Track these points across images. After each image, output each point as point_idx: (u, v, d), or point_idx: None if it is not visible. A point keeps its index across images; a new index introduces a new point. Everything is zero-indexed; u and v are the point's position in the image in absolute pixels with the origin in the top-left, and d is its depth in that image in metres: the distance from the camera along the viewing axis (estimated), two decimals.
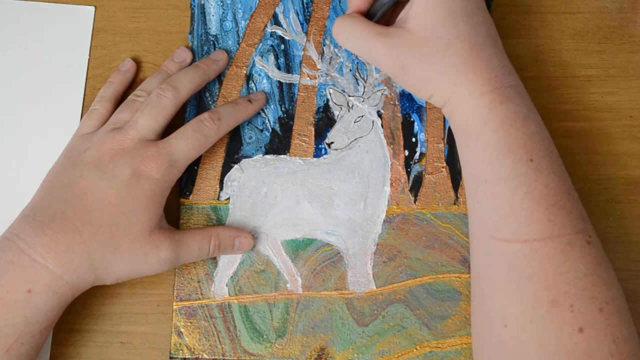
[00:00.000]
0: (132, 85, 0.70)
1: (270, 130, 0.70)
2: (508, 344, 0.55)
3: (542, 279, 0.54)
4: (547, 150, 0.58)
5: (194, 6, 0.72)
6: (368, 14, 0.65)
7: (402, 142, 0.70)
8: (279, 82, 0.71)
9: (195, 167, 0.69)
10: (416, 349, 0.66)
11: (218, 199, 0.69)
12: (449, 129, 0.70)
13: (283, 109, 0.71)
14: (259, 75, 0.71)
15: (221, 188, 0.69)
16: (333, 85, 0.71)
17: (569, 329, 0.53)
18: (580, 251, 0.55)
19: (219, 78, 0.71)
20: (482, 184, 0.58)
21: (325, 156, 0.70)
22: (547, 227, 0.55)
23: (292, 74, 0.71)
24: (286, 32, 0.72)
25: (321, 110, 0.71)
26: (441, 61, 0.59)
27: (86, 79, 0.71)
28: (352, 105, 0.70)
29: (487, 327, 0.58)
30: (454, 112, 0.61)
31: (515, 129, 0.57)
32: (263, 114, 0.70)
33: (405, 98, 0.71)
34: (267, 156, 0.70)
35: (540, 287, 0.54)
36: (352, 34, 0.63)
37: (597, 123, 0.70)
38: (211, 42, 0.72)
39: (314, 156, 0.70)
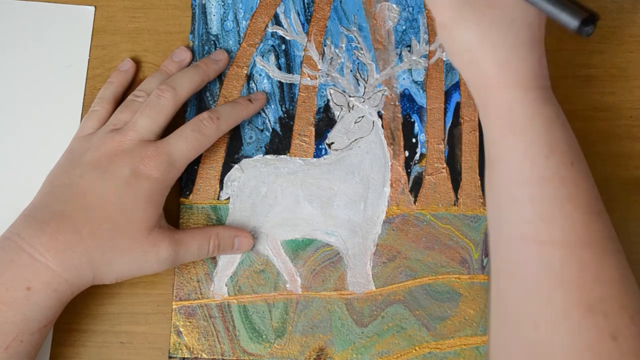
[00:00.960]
0: (132, 85, 0.70)
1: (271, 130, 0.70)
2: (538, 347, 0.54)
3: (578, 284, 0.53)
4: (582, 156, 0.57)
5: (195, 6, 0.72)
6: None
7: (402, 143, 0.70)
8: (280, 82, 0.71)
9: (195, 167, 0.69)
10: (415, 349, 0.66)
11: (218, 199, 0.69)
12: (449, 130, 0.70)
13: (283, 109, 0.71)
14: (260, 75, 0.71)
15: (221, 188, 0.69)
16: (334, 85, 0.71)
17: (602, 335, 0.52)
18: (614, 259, 0.54)
19: (220, 78, 0.71)
20: (520, 183, 0.56)
21: (325, 156, 0.70)
22: (586, 234, 0.54)
23: (293, 74, 0.71)
24: (287, 32, 0.72)
25: (322, 110, 0.71)
26: (499, 36, 0.56)
27: (86, 79, 0.71)
28: (353, 106, 0.70)
29: (513, 329, 0.57)
30: (491, 96, 0.58)
31: (559, 131, 0.56)
32: (263, 114, 0.70)
33: (406, 99, 0.71)
34: (267, 156, 0.70)
35: (576, 292, 0.53)
36: None
37: (597, 123, 0.70)
38: (212, 42, 0.72)
39: (314, 156, 0.70)
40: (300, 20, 0.72)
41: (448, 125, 0.70)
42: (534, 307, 0.55)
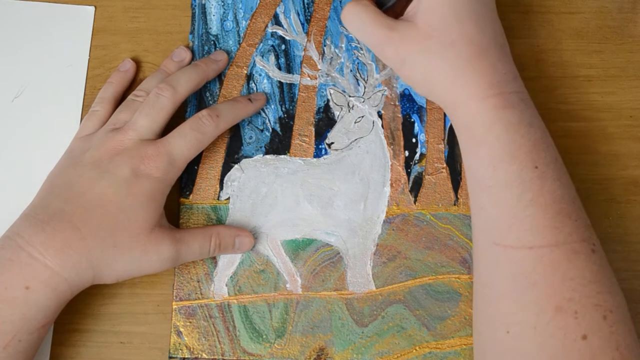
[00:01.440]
0: (132, 85, 0.71)
1: (271, 130, 0.70)
2: (511, 350, 0.55)
3: (546, 286, 0.54)
4: (552, 158, 0.57)
5: (195, 6, 0.73)
6: (379, 1, 0.65)
7: (402, 143, 0.70)
8: (280, 82, 0.71)
9: (196, 167, 0.69)
10: (415, 349, 0.66)
11: (218, 199, 0.69)
12: (450, 129, 0.70)
13: (283, 109, 0.71)
14: (260, 75, 0.71)
15: (221, 188, 0.69)
16: (333, 85, 0.71)
17: (572, 335, 0.53)
18: (585, 259, 0.55)
19: (220, 78, 0.71)
20: (485, 190, 0.58)
21: (325, 156, 0.70)
22: (552, 235, 0.55)
23: (293, 74, 0.71)
24: (287, 32, 0.72)
25: (321, 110, 0.71)
26: (443, 59, 0.59)
27: (86, 79, 0.71)
28: (353, 106, 0.70)
29: (489, 333, 0.58)
30: (455, 112, 0.60)
31: (520, 135, 0.57)
32: (263, 114, 0.70)
33: (406, 99, 0.71)
34: (267, 156, 0.70)
35: (545, 293, 0.54)
36: (359, 22, 0.63)
37: (597, 123, 0.70)
38: (212, 42, 0.72)
39: (314, 156, 0.70)
40: (300, 20, 0.72)
41: (448, 125, 0.70)
42: (505, 310, 0.56)
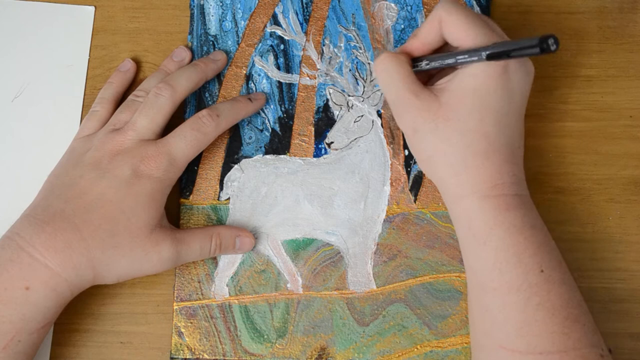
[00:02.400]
0: (133, 85, 0.70)
1: (270, 130, 0.70)
2: None
3: None
4: (557, 261, 0.57)
5: (194, 6, 0.72)
6: (416, 59, 0.64)
7: (401, 142, 0.70)
8: (279, 82, 0.71)
9: (195, 167, 0.69)
10: (417, 348, 0.66)
11: (218, 199, 0.69)
12: None
13: (283, 109, 0.71)
14: (259, 75, 0.71)
15: (221, 188, 0.69)
16: (333, 85, 0.71)
17: None
18: None
19: (219, 78, 0.71)
20: (490, 292, 0.57)
21: (325, 156, 0.70)
22: (562, 340, 0.54)
23: (292, 74, 0.71)
24: (286, 32, 0.72)
25: (321, 110, 0.71)
26: (453, 146, 0.58)
27: (86, 79, 0.71)
28: (352, 105, 0.70)
29: None
30: (454, 205, 0.60)
31: (524, 237, 0.56)
32: (263, 114, 0.70)
33: None
34: (267, 156, 0.70)
35: None
36: (389, 76, 0.62)
37: (597, 123, 0.70)
38: (211, 43, 0.72)
39: (314, 156, 0.70)
40: (299, 20, 0.72)
41: None
42: None
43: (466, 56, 0.57)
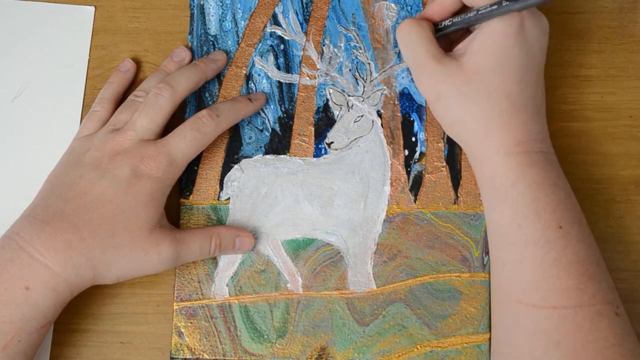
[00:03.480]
0: (133, 85, 0.70)
1: (270, 130, 0.70)
2: None
3: (570, 347, 0.54)
4: (576, 219, 0.57)
5: (194, 6, 0.72)
6: (437, 24, 0.65)
7: (401, 142, 0.70)
8: (279, 82, 0.71)
9: (195, 167, 0.69)
10: (417, 348, 0.66)
11: (218, 199, 0.69)
12: None
13: (283, 108, 0.71)
14: (259, 75, 0.71)
15: (221, 188, 0.69)
16: (333, 85, 0.71)
17: None
18: (609, 322, 0.54)
19: (219, 78, 0.71)
20: (508, 246, 0.58)
21: (325, 156, 0.70)
22: (576, 296, 0.54)
23: (292, 73, 0.71)
24: (285, 32, 0.72)
25: (321, 110, 0.71)
26: (477, 108, 0.59)
27: (86, 79, 0.71)
28: (352, 105, 0.70)
29: None
30: (480, 164, 0.61)
31: (544, 194, 0.57)
32: (263, 114, 0.70)
33: (405, 97, 0.71)
34: (267, 156, 0.70)
35: (568, 354, 0.54)
36: (410, 41, 0.63)
37: (597, 123, 0.70)
38: (211, 43, 0.72)
39: (314, 156, 0.70)
40: (299, 20, 0.72)
41: None
42: None
43: (487, 7, 0.59)
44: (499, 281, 0.59)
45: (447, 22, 0.64)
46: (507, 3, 0.57)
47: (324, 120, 0.70)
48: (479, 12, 0.60)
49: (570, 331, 0.54)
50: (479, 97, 0.59)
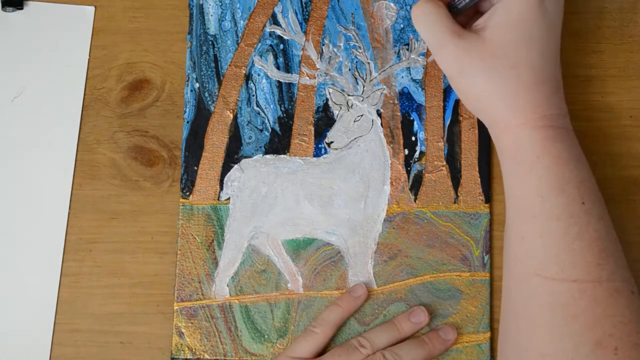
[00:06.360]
0: (140, 85, 0.71)
1: (270, 130, 0.70)
2: None
3: (587, 320, 0.54)
4: (597, 197, 0.58)
5: (193, 6, 0.72)
6: (450, 3, 0.64)
7: (401, 141, 0.70)
8: (278, 81, 0.71)
9: (195, 168, 0.69)
10: None
11: (218, 199, 0.69)
12: (449, 128, 0.70)
13: (282, 108, 0.71)
14: (258, 75, 0.71)
15: (221, 188, 0.69)
16: (332, 84, 0.71)
17: None
18: (627, 299, 0.55)
19: (218, 78, 0.71)
20: (530, 220, 0.57)
21: (325, 156, 0.70)
22: (596, 271, 0.55)
23: (292, 73, 0.71)
24: (285, 31, 0.72)
25: (320, 109, 0.71)
26: (502, 81, 0.59)
27: (86, 79, 0.71)
28: (352, 105, 0.70)
29: (517, 358, 0.58)
30: (502, 136, 0.60)
31: (569, 169, 0.57)
32: (262, 114, 0.70)
33: (405, 97, 0.71)
34: (267, 156, 0.70)
35: (586, 327, 0.54)
36: (427, 21, 0.62)
37: (597, 123, 0.70)
38: (210, 42, 0.72)
39: (314, 156, 0.70)
40: (298, 20, 0.72)
41: (447, 123, 0.70)
42: (542, 342, 0.56)
43: None
44: (516, 254, 0.59)
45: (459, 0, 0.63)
46: None
47: (324, 120, 0.70)
48: None
49: (589, 305, 0.54)
50: (503, 70, 0.59)
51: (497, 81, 0.59)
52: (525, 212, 0.58)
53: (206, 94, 0.71)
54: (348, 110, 0.70)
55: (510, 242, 0.60)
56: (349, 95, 0.71)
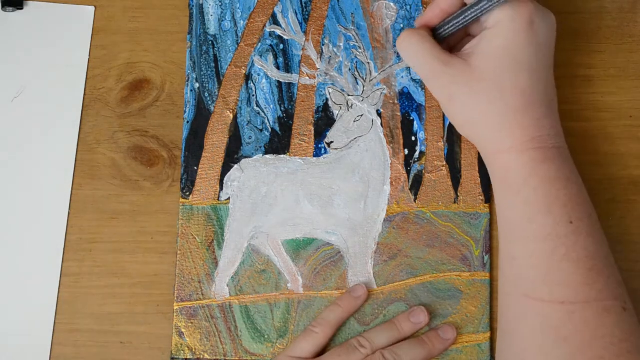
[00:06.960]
0: (140, 84, 0.71)
1: (270, 130, 0.70)
2: None
3: (577, 342, 0.54)
4: (587, 214, 0.58)
5: (193, 6, 0.72)
6: (435, 29, 0.65)
7: (401, 141, 0.70)
8: (278, 81, 0.71)
9: (195, 168, 0.69)
10: None
11: (218, 199, 0.69)
12: (449, 127, 0.70)
13: (282, 108, 0.71)
14: (258, 75, 0.71)
15: (221, 188, 0.69)
16: (332, 84, 0.71)
17: None
18: (617, 317, 0.55)
19: (218, 78, 0.71)
20: (519, 241, 0.58)
21: (325, 156, 0.70)
22: (584, 291, 0.55)
23: (292, 73, 0.71)
24: (285, 31, 0.72)
25: (320, 109, 0.71)
26: (491, 105, 0.59)
27: (86, 79, 0.71)
28: (352, 105, 0.70)
29: None
30: (493, 160, 0.61)
31: (556, 189, 0.57)
32: (262, 114, 0.70)
33: (405, 97, 0.71)
34: (267, 156, 0.70)
35: (576, 349, 0.54)
36: (414, 52, 0.63)
37: (597, 123, 0.70)
38: (210, 43, 0.72)
39: (314, 156, 0.70)
40: (298, 20, 0.72)
41: (447, 123, 0.70)
42: None
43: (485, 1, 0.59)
44: (508, 275, 0.59)
45: (444, 24, 0.64)
46: None
47: (324, 120, 0.70)
48: (472, 6, 0.60)
49: (578, 327, 0.54)
50: (492, 95, 0.59)
51: (485, 106, 0.59)
52: (515, 233, 0.58)
53: (206, 94, 0.71)
54: (348, 110, 0.70)
55: (503, 262, 0.60)
56: (349, 95, 0.71)
